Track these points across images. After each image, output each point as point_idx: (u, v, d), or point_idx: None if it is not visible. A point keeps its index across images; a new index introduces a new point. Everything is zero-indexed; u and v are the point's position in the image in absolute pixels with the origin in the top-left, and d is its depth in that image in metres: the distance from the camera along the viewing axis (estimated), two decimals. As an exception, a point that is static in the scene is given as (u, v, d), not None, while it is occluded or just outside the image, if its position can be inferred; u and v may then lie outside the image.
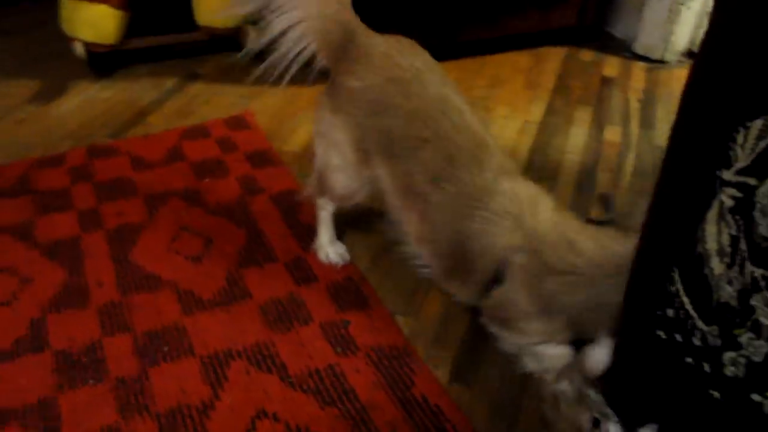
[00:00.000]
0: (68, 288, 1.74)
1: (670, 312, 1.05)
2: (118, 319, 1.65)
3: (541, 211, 1.41)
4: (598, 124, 2.55)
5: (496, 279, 1.42)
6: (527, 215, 1.40)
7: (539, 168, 2.25)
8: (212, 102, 2.66)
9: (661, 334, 1.07)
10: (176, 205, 2.03)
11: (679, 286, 1.03)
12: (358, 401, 1.45)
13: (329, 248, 1.84)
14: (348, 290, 1.74)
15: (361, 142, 1.59)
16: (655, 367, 1.12)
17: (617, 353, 1.29)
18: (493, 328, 1.49)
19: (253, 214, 2.00)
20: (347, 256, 1.84)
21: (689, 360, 1.03)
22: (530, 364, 1.47)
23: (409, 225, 1.57)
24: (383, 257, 1.85)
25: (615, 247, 1.31)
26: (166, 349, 1.57)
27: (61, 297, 1.71)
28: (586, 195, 2.10)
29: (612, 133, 2.49)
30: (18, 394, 1.47)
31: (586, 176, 2.21)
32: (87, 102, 2.66)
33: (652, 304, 1.10)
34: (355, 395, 1.46)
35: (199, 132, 2.43)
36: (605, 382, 1.32)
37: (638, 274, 1.20)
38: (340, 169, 1.67)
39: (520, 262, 1.39)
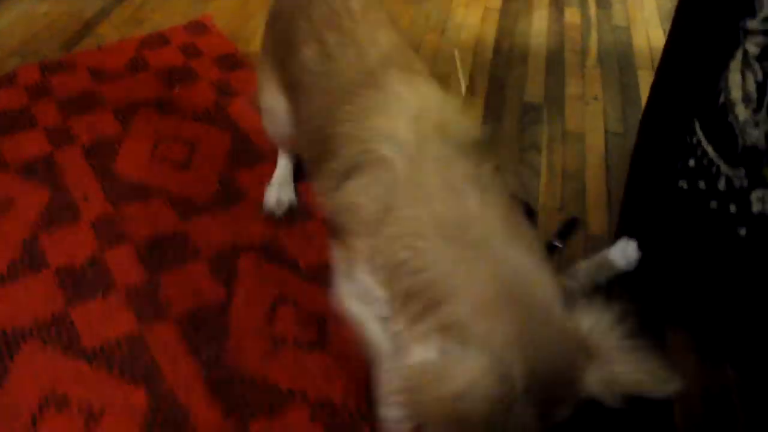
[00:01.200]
0: (54, 205, 1.68)
1: (692, 162, 1.10)
2: (114, 231, 1.62)
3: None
4: (557, 6, 2.57)
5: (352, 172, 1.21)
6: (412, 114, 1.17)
7: (507, 54, 2.26)
8: (163, 9, 2.54)
9: (684, 184, 1.13)
10: (149, 115, 1.97)
11: (701, 136, 1.08)
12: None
13: (272, 191, 1.70)
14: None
15: (280, 80, 1.49)
16: (680, 218, 1.18)
17: (636, 209, 1.35)
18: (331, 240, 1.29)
19: (233, 117, 1.96)
20: (285, 206, 1.69)
21: (714, 204, 1.09)
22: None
23: (295, 121, 1.46)
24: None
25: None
26: (170, 254, 1.56)
27: (49, 215, 1.66)
28: (557, 77, 2.14)
29: (572, 15, 2.51)
30: (28, 313, 1.44)
31: (554, 59, 2.24)
32: (24, 17, 2.50)
33: (672, 157, 1.14)
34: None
35: (158, 40, 2.32)
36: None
37: (652, 132, 1.24)
38: (267, 113, 1.60)
39: (385, 154, 1.16)
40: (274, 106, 1.53)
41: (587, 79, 2.13)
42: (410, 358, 1.00)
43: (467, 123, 1.20)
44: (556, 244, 1.37)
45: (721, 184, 1.07)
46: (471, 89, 2.06)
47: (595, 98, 2.03)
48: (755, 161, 1.01)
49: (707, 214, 1.10)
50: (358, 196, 1.16)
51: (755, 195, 1.02)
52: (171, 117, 1.95)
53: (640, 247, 1.34)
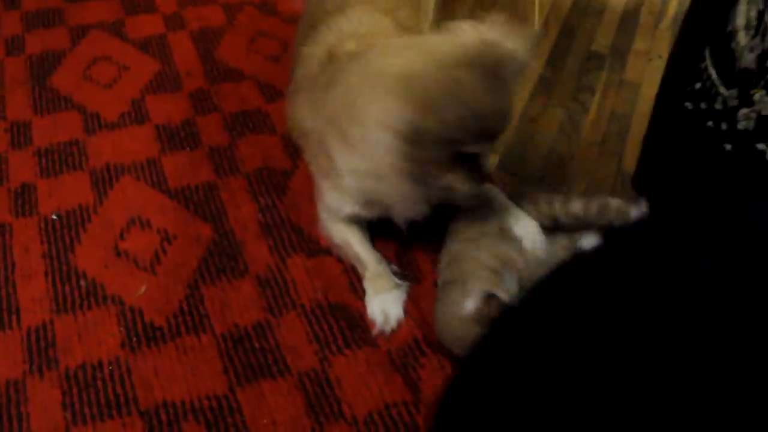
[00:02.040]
0: (161, 75, 1.96)
1: (698, 85, 1.25)
2: (207, 103, 1.88)
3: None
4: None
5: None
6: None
7: (585, 6, 2.39)
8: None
9: (689, 105, 1.28)
10: (252, 13, 2.22)
11: (708, 62, 1.23)
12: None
13: None
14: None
15: None
16: (680, 135, 1.34)
17: (649, 130, 1.50)
18: None
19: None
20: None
21: (710, 123, 1.24)
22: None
23: None
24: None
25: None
26: (251, 125, 1.81)
27: (156, 83, 1.94)
28: (628, 33, 2.26)
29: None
30: (129, 155, 1.73)
31: (629, 16, 2.35)
32: None
33: (684, 81, 1.30)
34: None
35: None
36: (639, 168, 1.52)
37: (675, 60, 1.39)
38: None
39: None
40: None
41: (656, 39, 2.23)
42: None
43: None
44: None
45: (718, 105, 1.22)
46: (543, 31, 2.21)
47: (660, 57, 2.15)
48: (746, 82, 1.15)
49: (703, 132, 1.26)
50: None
51: (742, 113, 1.17)
52: (271, 18, 2.19)
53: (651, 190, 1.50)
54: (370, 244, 1.50)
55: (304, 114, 1.45)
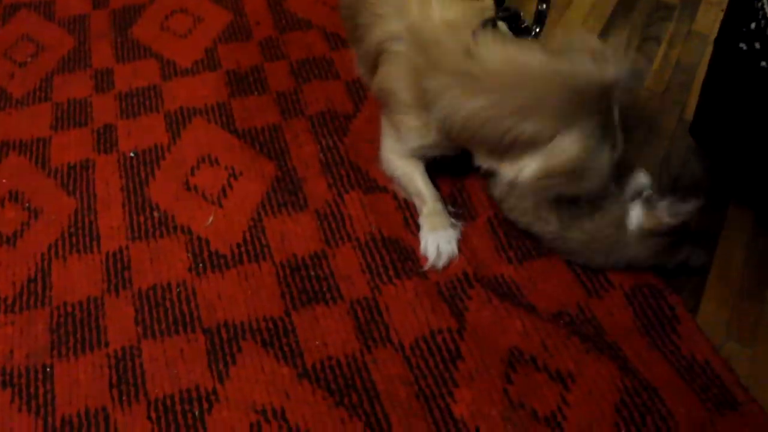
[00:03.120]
0: (234, 26, 2.04)
1: (753, 25, 1.23)
2: (275, 51, 1.96)
3: (434, 8, 1.37)
4: None
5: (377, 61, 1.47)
6: (414, 8, 1.38)
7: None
8: None
9: (743, 45, 1.26)
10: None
11: (765, 1, 1.21)
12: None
13: None
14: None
15: None
16: (736, 77, 1.32)
17: (707, 75, 1.48)
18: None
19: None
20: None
21: (763, 63, 1.22)
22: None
23: None
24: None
25: (523, 58, 1.24)
26: (316, 72, 1.88)
27: (229, 32, 2.02)
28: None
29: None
30: (200, 98, 1.83)
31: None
32: None
33: (741, 22, 1.28)
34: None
35: None
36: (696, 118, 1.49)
37: (734, 0, 1.36)
38: None
39: (397, 50, 1.40)
40: None
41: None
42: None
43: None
44: None
45: None
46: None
47: (733, 6, 2.08)
48: None
49: (758, 73, 1.24)
50: (390, 83, 1.44)
51: None
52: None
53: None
54: (430, 181, 1.54)
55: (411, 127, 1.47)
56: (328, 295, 1.40)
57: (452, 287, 1.41)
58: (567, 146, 1.24)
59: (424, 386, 1.28)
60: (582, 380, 1.30)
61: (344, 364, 1.31)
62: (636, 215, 1.37)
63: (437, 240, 1.46)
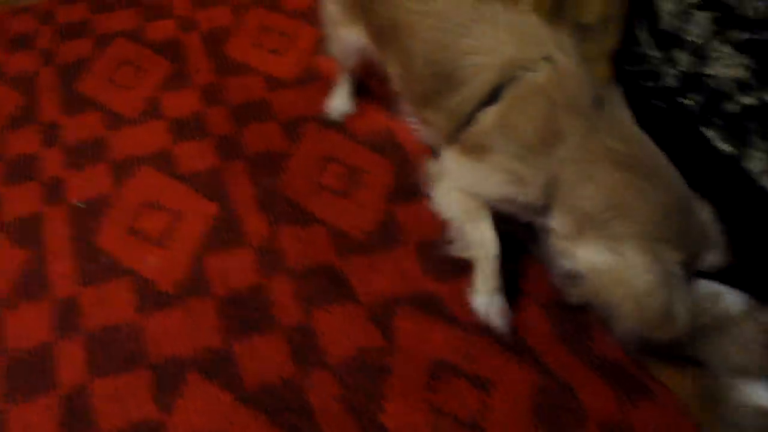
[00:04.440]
0: (174, 74, 2.15)
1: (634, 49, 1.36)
2: (215, 96, 2.07)
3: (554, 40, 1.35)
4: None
5: (492, 98, 1.36)
6: (537, 33, 1.36)
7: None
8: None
9: (628, 67, 1.38)
10: (258, 11, 2.39)
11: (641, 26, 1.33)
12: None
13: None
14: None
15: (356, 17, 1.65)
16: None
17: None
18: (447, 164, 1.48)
19: None
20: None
21: (644, 83, 1.34)
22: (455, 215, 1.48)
23: (390, 61, 1.58)
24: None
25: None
26: (254, 114, 1.99)
27: (170, 81, 2.13)
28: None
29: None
30: (145, 148, 1.93)
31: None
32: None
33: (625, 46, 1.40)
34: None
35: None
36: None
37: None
38: (338, 42, 1.80)
39: (534, 79, 1.31)
40: (347, 38, 1.74)
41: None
42: (580, 261, 1.31)
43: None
44: None
45: (647, 65, 1.32)
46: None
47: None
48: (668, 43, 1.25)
49: (638, 91, 1.36)
50: (512, 118, 1.32)
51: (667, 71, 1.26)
52: (274, 13, 2.36)
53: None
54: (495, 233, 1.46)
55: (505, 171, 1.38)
56: (265, 324, 1.50)
57: (382, 309, 1.52)
58: None
59: (355, 401, 1.38)
60: (502, 385, 1.41)
61: (281, 387, 1.41)
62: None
63: (498, 305, 1.48)
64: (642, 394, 1.41)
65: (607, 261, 1.27)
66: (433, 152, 1.62)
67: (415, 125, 1.64)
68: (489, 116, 1.35)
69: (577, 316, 1.53)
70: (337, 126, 1.95)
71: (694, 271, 1.29)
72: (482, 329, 1.49)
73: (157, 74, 2.16)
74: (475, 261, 1.49)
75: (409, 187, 1.78)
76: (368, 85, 2.04)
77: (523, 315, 1.53)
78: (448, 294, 1.56)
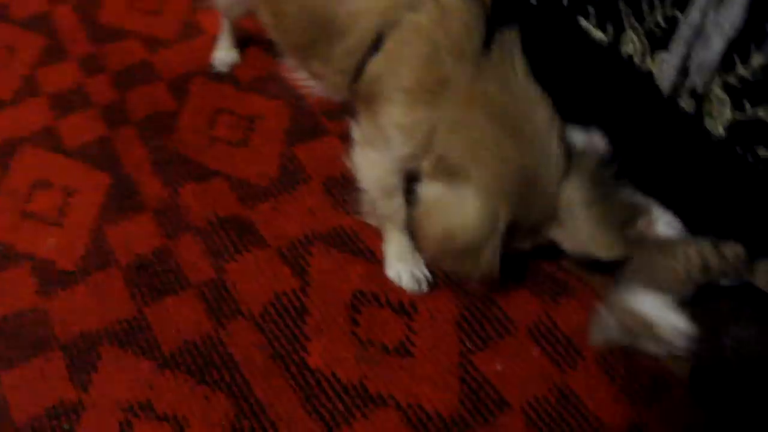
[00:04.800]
0: (48, 49, 2.02)
1: None
2: (94, 64, 1.96)
3: None
4: None
5: (375, 46, 1.26)
6: None
7: None
8: None
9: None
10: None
11: None
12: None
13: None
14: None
15: None
16: None
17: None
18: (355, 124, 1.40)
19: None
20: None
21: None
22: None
23: (262, 10, 1.48)
24: None
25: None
26: (138, 78, 1.90)
27: (44, 56, 2.00)
28: None
29: None
30: (26, 127, 1.82)
31: None
32: None
33: None
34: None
35: None
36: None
37: None
38: None
39: (413, 20, 1.22)
40: None
41: None
42: (420, 192, 1.29)
43: None
44: None
45: None
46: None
47: None
48: None
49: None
50: (391, 62, 1.24)
51: None
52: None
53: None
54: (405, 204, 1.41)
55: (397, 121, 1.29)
56: (176, 285, 1.45)
57: (293, 249, 1.48)
58: None
59: (278, 347, 1.35)
60: (424, 306, 1.40)
61: (200, 345, 1.36)
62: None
63: (410, 269, 1.44)
64: (563, 293, 1.42)
65: (441, 194, 1.26)
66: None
67: (306, 80, 1.52)
68: (375, 66, 1.27)
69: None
70: (225, 77, 1.88)
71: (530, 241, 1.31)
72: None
73: (30, 51, 2.03)
74: (385, 231, 1.46)
75: (306, 126, 1.74)
76: (253, 33, 1.98)
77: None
78: (360, 227, 1.53)
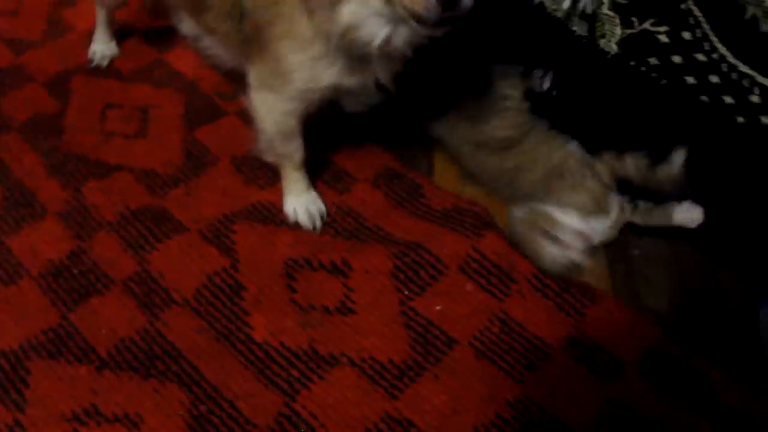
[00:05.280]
0: None
1: None
2: (-44, 76, 1.82)
3: None
4: None
5: None
6: None
7: None
8: None
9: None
10: None
11: None
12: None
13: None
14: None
15: None
16: None
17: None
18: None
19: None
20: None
21: None
22: None
23: None
24: None
25: None
26: (8, 81, 1.79)
27: None
28: None
29: None
30: None
31: None
32: None
33: None
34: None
35: None
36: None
37: None
38: None
39: None
40: None
41: None
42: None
43: None
44: None
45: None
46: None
47: None
48: None
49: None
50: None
51: None
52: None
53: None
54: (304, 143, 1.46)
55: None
56: (98, 285, 1.39)
57: (214, 230, 1.46)
58: None
59: (219, 327, 1.33)
60: (358, 263, 1.42)
61: (138, 340, 1.32)
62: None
63: (305, 204, 1.48)
64: (484, 227, 1.47)
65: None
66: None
67: (206, 47, 1.55)
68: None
69: (403, 181, 1.57)
70: (107, 71, 1.80)
71: None
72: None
73: None
74: (282, 168, 1.49)
75: (203, 110, 1.72)
76: (129, 24, 1.91)
77: (355, 194, 1.54)
78: (277, 198, 1.53)
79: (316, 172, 1.56)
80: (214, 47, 1.50)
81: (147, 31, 1.90)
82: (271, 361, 1.29)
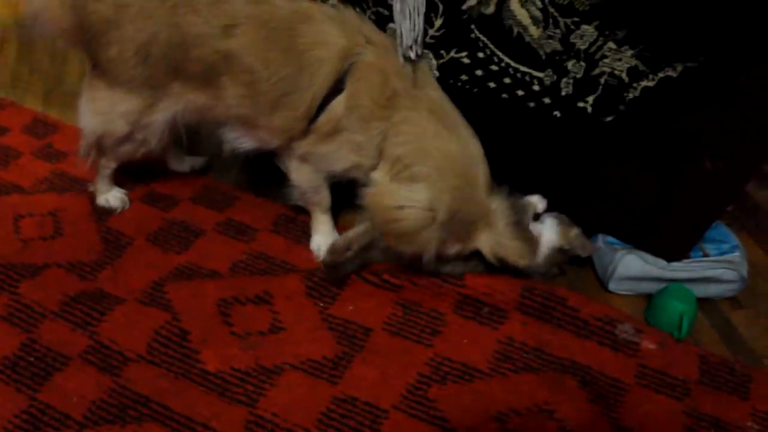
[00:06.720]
0: None
1: (501, 81, 1.65)
2: None
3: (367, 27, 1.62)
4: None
5: (337, 88, 1.58)
6: (355, 23, 1.60)
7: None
8: None
9: (504, 96, 1.61)
10: None
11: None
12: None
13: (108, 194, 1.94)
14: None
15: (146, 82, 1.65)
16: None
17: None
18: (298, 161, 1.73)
19: None
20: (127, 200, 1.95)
21: (531, 104, 1.64)
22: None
23: (223, 91, 1.63)
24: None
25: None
26: None
27: None
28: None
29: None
30: None
31: None
32: None
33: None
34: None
35: None
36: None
37: None
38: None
39: (366, 60, 1.57)
40: (160, 115, 1.72)
41: None
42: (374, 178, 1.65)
43: None
44: None
45: (535, 87, 1.59)
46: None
47: None
48: (558, 60, 1.54)
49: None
50: (358, 97, 1.58)
51: (563, 82, 1.57)
52: None
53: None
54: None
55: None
56: (57, 364, 1.54)
57: (149, 295, 1.70)
58: None
59: (176, 369, 1.54)
60: (277, 292, 1.71)
61: (107, 398, 1.48)
62: (549, 234, 1.71)
63: (328, 243, 1.76)
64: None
65: (392, 185, 1.63)
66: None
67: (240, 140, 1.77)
68: (340, 103, 1.59)
69: (297, 224, 1.88)
70: (8, 188, 1.98)
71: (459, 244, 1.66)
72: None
73: None
74: (313, 213, 1.84)
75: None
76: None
77: (260, 240, 1.83)
78: (198, 259, 1.79)
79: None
80: (249, 142, 1.76)
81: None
82: (227, 384, 1.52)
